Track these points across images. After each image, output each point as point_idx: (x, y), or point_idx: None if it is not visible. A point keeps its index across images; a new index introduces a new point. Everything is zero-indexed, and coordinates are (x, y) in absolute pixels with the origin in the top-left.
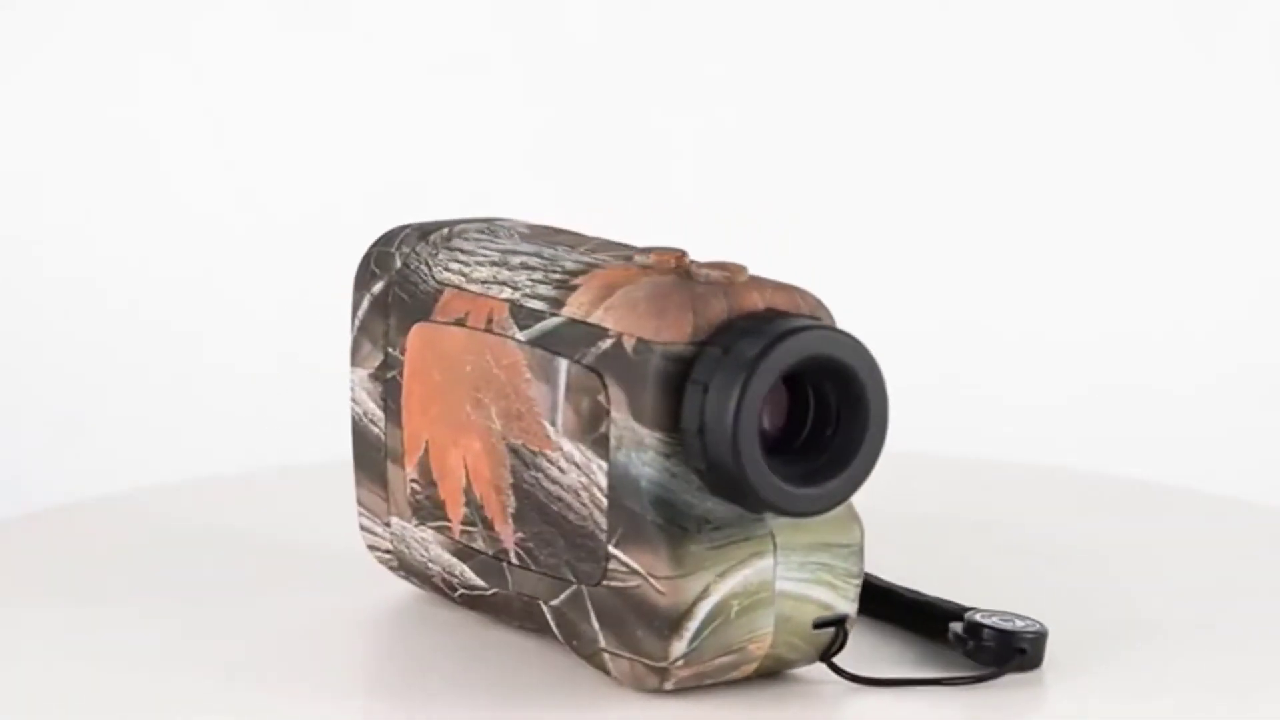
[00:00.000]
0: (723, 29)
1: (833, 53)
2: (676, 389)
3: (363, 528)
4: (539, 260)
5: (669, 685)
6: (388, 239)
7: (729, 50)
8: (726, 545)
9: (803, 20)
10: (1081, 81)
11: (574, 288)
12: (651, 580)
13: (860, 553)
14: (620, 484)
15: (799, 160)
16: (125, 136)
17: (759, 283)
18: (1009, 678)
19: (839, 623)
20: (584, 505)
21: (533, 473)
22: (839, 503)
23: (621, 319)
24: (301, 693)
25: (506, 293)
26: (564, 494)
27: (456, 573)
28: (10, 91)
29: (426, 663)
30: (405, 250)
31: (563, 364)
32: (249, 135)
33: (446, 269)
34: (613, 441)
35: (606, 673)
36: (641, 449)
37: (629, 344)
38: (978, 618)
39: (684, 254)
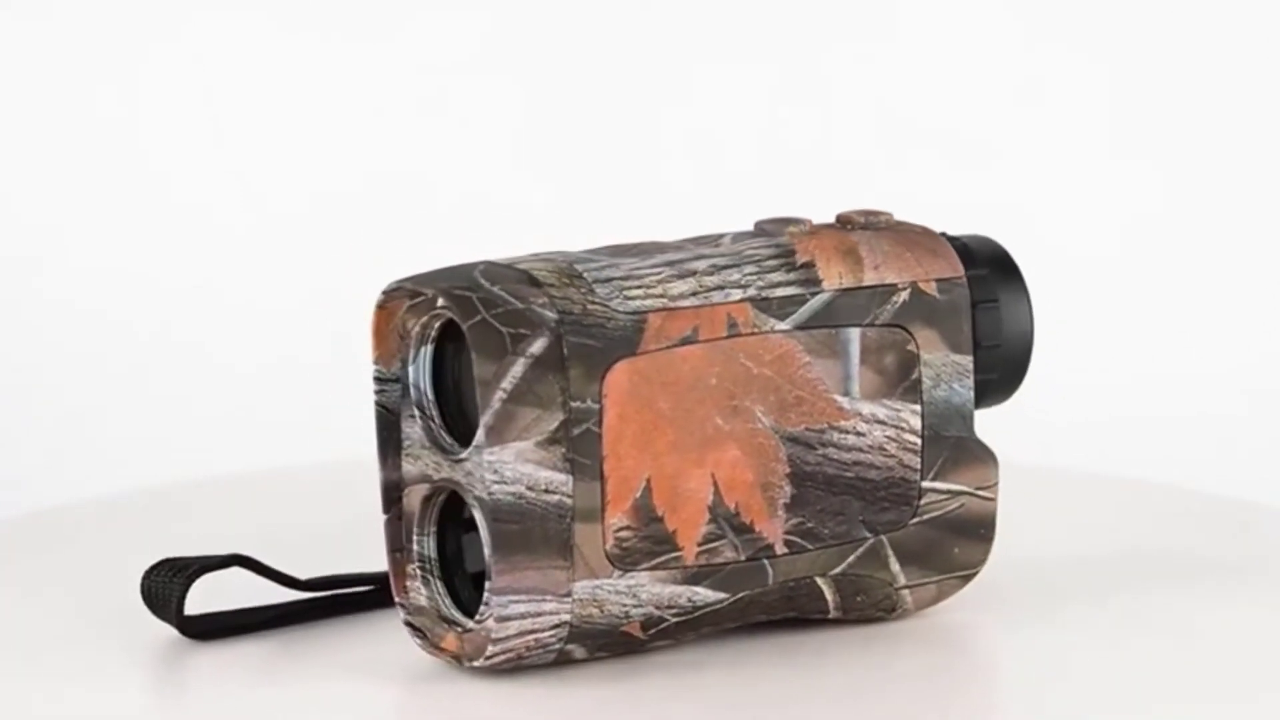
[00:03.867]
0: (722, 29)
1: (829, 52)
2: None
3: (508, 618)
4: (724, 260)
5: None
6: (488, 303)
7: (728, 50)
8: None
9: (801, 20)
10: (1081, 88)
11: (806, 265)
12: (980, 493)
13: None
14: (940, 418)
15: (796, 160)
16: (125, 136)
17: (898, 220)
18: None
19: None
20: (889, 456)
21: (820, 451)
22: None
23: (903, 270)
24: (305, 694)
25: (736, 294)
26: (863, 455)
27: (681, 601)
28: (10, 90)
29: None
30: (542, 301)
31: (854, 333)
32: (249, 136)
33: (628, 297)
34: (927, 382)
35: (888, 613)
36: (963, 376)
37: (930, 288)
38: None
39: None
